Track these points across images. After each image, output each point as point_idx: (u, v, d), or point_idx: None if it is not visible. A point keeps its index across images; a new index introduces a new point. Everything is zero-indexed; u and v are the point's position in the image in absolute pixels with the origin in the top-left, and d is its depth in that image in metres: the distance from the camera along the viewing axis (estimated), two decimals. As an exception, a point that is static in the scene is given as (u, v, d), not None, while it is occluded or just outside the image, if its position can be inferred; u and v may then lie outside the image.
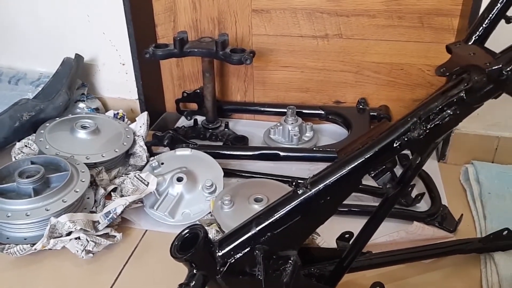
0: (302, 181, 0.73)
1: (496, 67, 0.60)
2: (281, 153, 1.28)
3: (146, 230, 1.11)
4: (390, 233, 1.00)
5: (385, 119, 1.41)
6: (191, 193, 1.15)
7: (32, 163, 1.13)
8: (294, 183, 0.73)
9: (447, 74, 0.69)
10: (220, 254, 0.73)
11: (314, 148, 1.30)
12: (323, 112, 1.46)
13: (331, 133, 1.46)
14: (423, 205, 1.15)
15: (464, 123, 0.66)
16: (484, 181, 1.18)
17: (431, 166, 1.29)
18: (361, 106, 1.44)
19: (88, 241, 1.01)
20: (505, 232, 0.97)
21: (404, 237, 1.01)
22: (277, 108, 1.50)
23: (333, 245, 0.88)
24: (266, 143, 1.41)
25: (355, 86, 1.45)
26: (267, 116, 1.53)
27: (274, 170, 1.27)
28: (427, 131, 0.66)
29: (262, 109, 1.52)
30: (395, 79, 1.41)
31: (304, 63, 1.45)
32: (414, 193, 1.15)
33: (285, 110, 1.41)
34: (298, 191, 0.72)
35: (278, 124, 1.41)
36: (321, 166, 1.31)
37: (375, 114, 1.42)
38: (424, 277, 0.98)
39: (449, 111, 0.66)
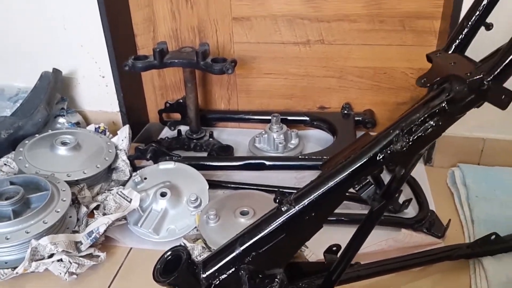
0: (285, 197, 0.72)
1: (477, 77, 0.60)
2: (267, 163, 1.27)
3: (131, 248, 1.09)
4: (378, 242, 1.00)
5: (370, 123, 1.40)
6: (176, 208, 1.13)
7: (11, 183, 1.10)
8: (278, 200, 0.71)
9: (428, 85, 0.68)
10: (204, 276, 0.72)
11: (300, 156, 1.28)
12: (308, 118, 1.45)
13: (317, 139, 1.45)
14: (411, 211, 1.15)
15: (449, 125, 0.65)
16: (471, 184, 1.18)
17: (418, 170, 1.29)
18: (345, 111, 1.43)
19: (71, 263, 0.99)
20: (493, 237, 0.96)
21: (392, 245, 1.01)
22: (262, 115, 1.48)
23: (322, 256, 0.87)
24: (252, 152, 1.39)
25: (339, 91, 1.43)
26: (252, 123, 1.51)
27: (260, 180, 1.26)
28: (410, 143, 0.66)
29: (247, 117, 1.51)
30: (379, 83, 1.40)
31: (287, 70, 1.43)
32: (401, 199, 1.14)
33: (270, 118, 1.39)
34: (282, 208, 0.71)
35: (263, 132, 1.40)
36: (307, 173, 1.32)
37: (360, 118, 1.41)
38: (413, 285, 0.97)
39: (431, 122, 0.65)
